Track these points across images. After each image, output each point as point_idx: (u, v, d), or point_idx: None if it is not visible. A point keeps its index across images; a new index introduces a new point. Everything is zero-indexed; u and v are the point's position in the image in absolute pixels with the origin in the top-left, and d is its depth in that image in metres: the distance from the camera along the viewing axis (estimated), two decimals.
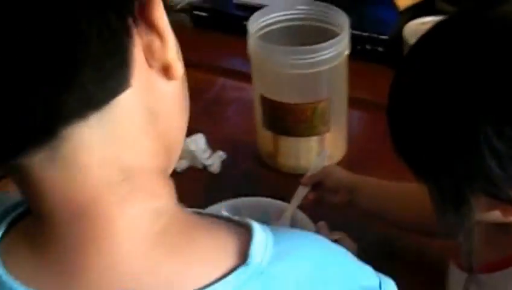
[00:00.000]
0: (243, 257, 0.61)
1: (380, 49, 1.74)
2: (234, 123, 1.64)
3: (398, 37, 1.72)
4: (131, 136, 0.61)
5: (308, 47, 1.36)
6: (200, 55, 1.82)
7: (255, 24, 1.43)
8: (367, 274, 0.71)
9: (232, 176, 1.49)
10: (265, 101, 1.43)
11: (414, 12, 1.80)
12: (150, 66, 0.61)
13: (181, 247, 0.61)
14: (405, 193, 1.28)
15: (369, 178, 1.33)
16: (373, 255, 1.23)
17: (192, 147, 1.50)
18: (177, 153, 0.69)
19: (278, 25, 1.46)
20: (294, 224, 1.29)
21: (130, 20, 0.58)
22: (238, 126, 1.63)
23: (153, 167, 0.63)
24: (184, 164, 1.51)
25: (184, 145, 1.47)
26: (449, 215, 0.88)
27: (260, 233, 0.64)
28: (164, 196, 0.64)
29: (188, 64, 1.80)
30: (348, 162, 1.51)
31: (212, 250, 0.63)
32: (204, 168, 1.51)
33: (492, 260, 0.97)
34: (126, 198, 0.60)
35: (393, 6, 1.82)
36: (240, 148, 1.56)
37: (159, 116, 0.63)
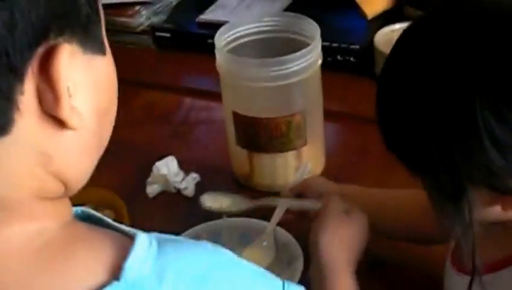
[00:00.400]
0: (118, 271, 0.61)
1: (351, 59, 1.69)
2: (206, 144, 1.58)
3: (369, 45, 1.68)
4: (14, 174, 0.60)
5: (279, 58, 1.30)
6: (165, 77, 1.79)
7: (222, 38, 1.37)
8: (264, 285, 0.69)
9: None
10: (237, 117, 1.37)
11: (383, 20, 1.77)
12: (44, 113, 0.59)
13: (58, 262, 0.61)
14: (393, 199, 1.24)
15: (352, 186, 1.28)
16: (362, 265, 1.18)
17: (164, 170, 1.44)
18: (79, 183, 0.67)
19: (246, 39, 1.41)
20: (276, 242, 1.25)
21: (24, 66, 0.56)
22: (210, 147, 1.57)
23: (37, 196, 0.62)
24: (156, 189, 1.44)
25: (155, 170, 1.44)
26: (447, 211, 0.85)
27: (142, 245, 0.63)
28: (48, 217, 0.63)
29: (153, 86, 1.77)
30: (328, 176, 1.44)
31: (90, 264, 0.62)
32: (178, 191, 1.44)
33: (495, 259, 0.92)
34: (2, 221, 0.61)
35: (361, 15, 1.78)
36: (213, 169, 1.49)
37: (52, 159, 0.62)
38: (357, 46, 1.69)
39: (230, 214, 1.29)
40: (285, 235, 1.25)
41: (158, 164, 1.45)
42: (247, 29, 1.40)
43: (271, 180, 1.42)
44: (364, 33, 1.74)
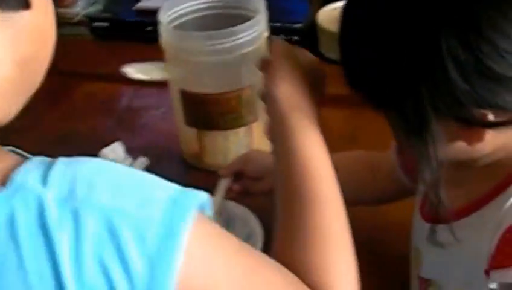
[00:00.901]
0: (7, 180, 0.64)
1: (295, 38, 1.67)
2: (153, 129, 1.54)
3: (312, 24, 1.66)
4: None
5: (225, 30, 1.27)
6: (105, 66, 1.74)
7: (166, 15, 1.33)
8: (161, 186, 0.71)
9: None
10: (185, 95, 1.33)
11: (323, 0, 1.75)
12: None
13: None
14: (340, 161, 1.21)
15: None
16: None
17: (111, 156, 1.39)
18: None
19: (190, 16, 1.38)
20: (229, 217, 1.21)
21: None
22: (157, 132, 1.52)
23: None
24: None
25: (102, 156, 1.38)
26: (413, 147, 0.82)
27: (34, 161, 0.66)
28: None
29: (93, 77, 1.72)
30: None
31: None
32: None
33: (460, 206, 0.90)
34: None
35: None
36: (163, 152, 1.45)
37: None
38: (300, 25, 1.68)
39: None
40: (241, 209, 1.22)
41: (104, 150, 1.40)
42: (191, 6, 1.37)
43: (223, 158, 1.38)
44: (306, 13, 1.73)
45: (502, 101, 0.78)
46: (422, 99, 0.78)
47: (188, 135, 1.39)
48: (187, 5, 1.37)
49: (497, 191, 0.86)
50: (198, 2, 1.37)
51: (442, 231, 0.92)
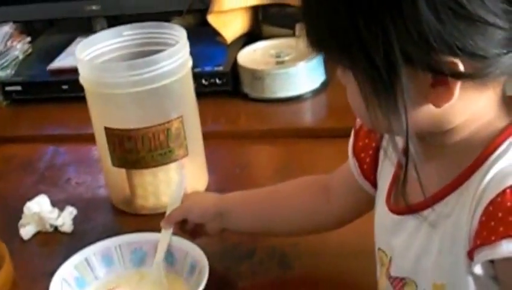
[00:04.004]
0: None
1: (218, 81, 1.63)
2: (78, 181, 1.47)
3: (233, 66, 1.65)
4: None
5: (146, 59, 1.23)
6: (21, 129, 1.69)
7: (84, 53, 1.28)
8: None
9: (88, 231, 1.30)
10: (110, 132, 1.27)
11: (242, 41, 1.75)
12: None
13: None
14: (288, 190, 1.16)
15: (236, 195, 1.20)
16: (269, 266, 1.15)
17: (36, 209, 1.31)
18: None
19: (110, 55, 1.32)
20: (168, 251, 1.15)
21: None
22: (83, 182, 1.46)
23: None
24: (31, 230, 1.31)
25: (26, 210, 1.31)
26: (382, 108, 0.79)
27: None
28: None
29: (10, 140, 1.66)
30: (213, 190, 1.36)
31: None
32: (56, 229, 1.31)
33: (434, 191, 0.86)
34: None
35: (221, 41, 1.73)
36: (91, 201, 1.39)
37: None
38: (222, 68, 1.65)
39: None
40: (180, 241, 1.16)
41: (29, 203, 1.32)
42: (110, 44, 1.32)
43: (154, 200, 1.32)
44: (227, 55, 1.70)
45: (473, 45, 0.75)
46: (391, 44, 0.75)
47: (117, 177, 1.32)
48: (106, 43, 1.32)
49: (471, 171, 0.83)
50: (117, 40, 1.33)
51: (411, 220, 0.89)
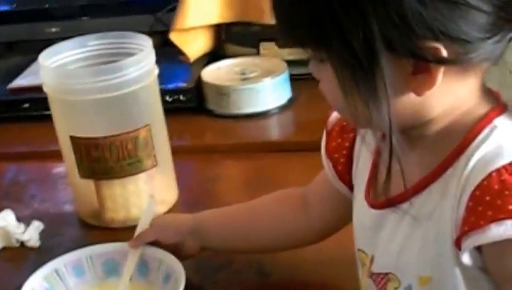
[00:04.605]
0: None
1: (182, 97, 1.62)
2: (44, 197, 1.44)
3: (198, 83, 1.64)
4: None
5: (111, 65, 1.21)
6: None
7: (49, 61, 1.25)
8: None
9: (56, 246, 1.26)
10: (77, 142, 1.24)
11: (206, 59, 1.74)
12: None
13: None
14: (263, 206, 1.14)
15: (211, 212, 1.17)
16: (247, 275, 1.13)
17: (1, 223, 1.26)
18: None
19: (74, 65, 1.29)
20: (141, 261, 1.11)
21: None
22: (49, 197, 1.43)
23: None
24: None
25: None
26: (362, 95, 0.78)
27: None
28: None
29: None
30: (183, 205, 1.34)
31: None
32: (22, 245, 1.27)
33: (415, 181, 0.85)
34: None
35: (184, 60, 1.72)
36: (58, 216, 1.35)
37: None
38: (186, 84, 1.64)
39: None
40: (160, 252, 1.12)
41: None
42: (75, 54, 1.30)
43: (124, 212, 1.29)
44: (191, 73, 1.69)
45: (456, 29, 0.75)
46: (371, 29, 0.74)
47: (84, 190, 1.29)
48: (71, 52, 1.29)
49: (452, 159, 0.82)
50: (81, 50, 1.30)
51: (393, 213, 0.88)
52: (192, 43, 1.71)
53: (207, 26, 1.72)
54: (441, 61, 0.76)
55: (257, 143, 1.53)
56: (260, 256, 1.16)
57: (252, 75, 1.63)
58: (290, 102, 1.63)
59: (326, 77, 0.82)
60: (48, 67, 1.23)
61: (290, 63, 1.65)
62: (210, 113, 1.62)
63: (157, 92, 1.28)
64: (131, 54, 1.26)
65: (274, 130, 1.63)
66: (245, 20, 1.70)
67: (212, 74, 1.65)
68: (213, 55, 1.76)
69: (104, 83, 1.19)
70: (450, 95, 0.81)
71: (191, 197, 1.37)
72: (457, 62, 0.77)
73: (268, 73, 1.62)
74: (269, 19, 1.62)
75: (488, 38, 0.77)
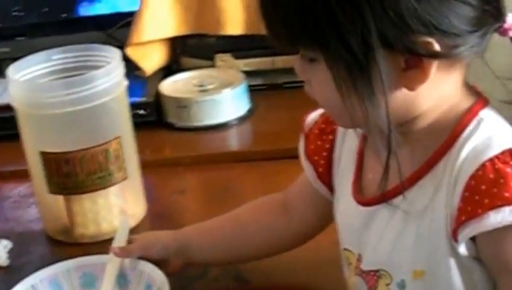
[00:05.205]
0: None
1: (142, 112, 1.60)
2: (10, 215, 1.41)
3: (157, 97, 1.63)
4: None
5: (81, 77, 1.20)
6: None
7: (17, 75, 1.23)
8: None
9: (25, 264, 1.23)
10: (47, 157, 1.21)
11: (162, 73, 1.73)
12: None
13: None
14: (238, 218, 1.14)
15: (194, 227, 1.15)
16: (225, 282, 1.13)
17: None
18: None
19: (43, 79, 1.27)
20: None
21: None
22: (17, 216, 1.40)
23: None
24: None
25: None
26: (357, 96, 0.79)
27: None
28: None
29: None
30: (152, 218, 1.33)
31: None
32: None
33: (406, 175, 0.86)
34: None
35: (139, 74, 1.70)
36: (25, 234, 1.32)
37: None
38: (145, 99, 1.62)
39: None
40: (141, 263, 1.10)
41: None
42: (44, 68, 1.28)
43: (95, 227, 1.26)
44: (148, 87, 1.68)
45: (448, 23, 0.77)
46: (367, 25, 0.76)
47: (53, 206, 1.27)
48: (36, 68, 1.27)
49: (441, 152, 0.84)
50: (46, 64, 1.28)
51: (384, 209, 0.88)
52: (148, 57, 1.70)
53: (162, 40, 1.71)
54: (434, 55, 0.78)
55: (220, 154, 1.53)
56: None
57: (210, 86, 1.62)
58: (250, 112, 1.63)
59: (319, 77, 0.83)
60: (17, 81, 1.21)
61: (246, 74, 1.66)
62: (170, 127, 1.61)
63: (126, 103, 1.27)
64: (97, 67, 1.25)
65: (235, 141, 1.63)
66: (201, 32, 1.70)
67: (170, 87, 1.64)
68: (168, 69, 1.75)
69: (75, 96, 1.18)
70: (438, 90, 0.82)
71: (159, 210, 1.35)
72: (448, 56, 0.79)
73: (226, 84, 1.62)
74: (225, 30, 1.66)
75: (475, 31, 0.80)
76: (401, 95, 0.81)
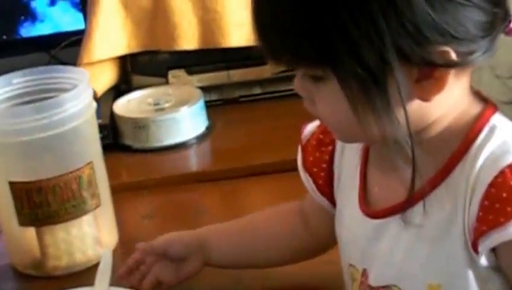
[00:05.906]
0: None
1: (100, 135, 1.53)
2: None
3: (111, 117, 1.57)
4: None
5: (52, 100, 1.14)
6: None
7: None
8: None
9: None
10: (17, 188, 1.14)
11: (113, 94, 1.66)
12: None
13: None
14: (257, 222, 1.12)
15: (213, 228, 1.13)
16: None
17: None
18: None
19: (4, 104, 1.20)
20: None
21: None
22: None
23: None
24: None
25: None
26: (373, 113, 0.77)
27: None
28: None
29: None
30: (125, 245, 1.27)
31: None
32: None
33: (419, 187, 0.83)
34: None
35: None
36: None
37: None
38: (100, 121, 1.54)
39: None
40: None
41: None
42: (4, 92, 1.20)
43: (68, 258, 1.20)
44: (101, 109, 1.60)
45: (462, 30, 0.76)
46: (383, 40, 0.73)
47: (23, 239, 1.19)
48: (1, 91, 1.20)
49: (454, 162, 0.82)
50: (6, 88, 1.21)
51: (394, 222, 0.86)
52: (99, 77, 1.63)
53: (112, 59, 1.65)
54: (451, 64, 0.76)
55: (182, 175, 1.47)
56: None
57: (166, 105, 1.57)
58: (208, 130, 1.58)
59: (327, 96, 0.80)
60: None
61: (201, 90, 1.61)
62: (127, 149, 1.55)
63: (96, 127, 1.21)
64: (61, 89, 1.19)
65: (195, 161, 1.58)
66: (154, 48, 1.64)
67: (124, 107, 1.58)
68: (118, 88, 1.69)
69: (45, 121, 1.12)
70: (449, 96, 0.81)
71: (131, 237, 1.28)
72: (464, 63, 0.78)
73: (183, 102, 1.56)
74: (179, 45, 1.61)
75: (486, 36, 0.78)
76: (415, 106, 0.79)
